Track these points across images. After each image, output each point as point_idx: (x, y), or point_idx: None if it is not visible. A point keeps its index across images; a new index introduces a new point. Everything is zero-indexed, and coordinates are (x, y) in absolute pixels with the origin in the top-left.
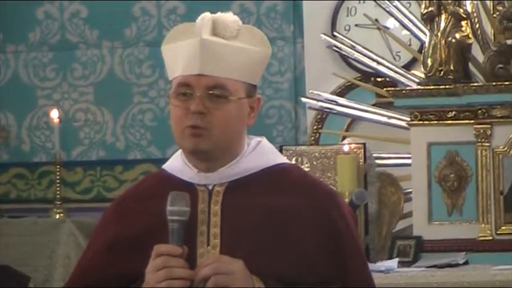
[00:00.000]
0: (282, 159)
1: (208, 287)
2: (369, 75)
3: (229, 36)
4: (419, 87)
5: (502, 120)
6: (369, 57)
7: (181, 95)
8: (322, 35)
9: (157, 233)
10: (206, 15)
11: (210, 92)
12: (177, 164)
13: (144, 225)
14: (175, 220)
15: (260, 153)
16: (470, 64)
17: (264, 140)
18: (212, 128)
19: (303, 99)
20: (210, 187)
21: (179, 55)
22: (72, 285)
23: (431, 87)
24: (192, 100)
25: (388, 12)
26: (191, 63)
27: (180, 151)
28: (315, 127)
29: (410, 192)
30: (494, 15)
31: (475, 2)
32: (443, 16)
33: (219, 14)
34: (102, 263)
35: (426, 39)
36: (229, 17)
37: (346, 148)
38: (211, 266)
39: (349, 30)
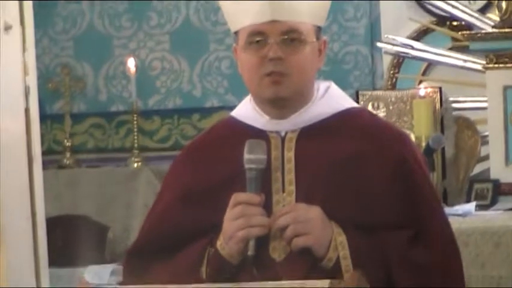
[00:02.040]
0: (352, 103)
1: (287, 234)
2: (444, 20)
3: None
4: (494, 30)
5: None
6: (444, 1)
7: (255, 43)
8: None
9: (232, 181)
10: None
11: (285, 36)
12: (247, 111)
13: (218, 173)
14: (253, 168)
15: (330, 98)
16: None
17: (333, 85)
18: (291, 73)
19: (379, 44)
20: (283, 134)
21: (245, 5)
22: (146, 236)
23: (506, 30)
24: (267, 47)
25: None
26: (261, 10)
27: (248, 98)
28: (391, 72)
29: (487, 136)
30: None
31: None
32: None
33: None
34: (176, 212)
35: None
36: None
37: (422, 92)
38: (289, 215)
39: None
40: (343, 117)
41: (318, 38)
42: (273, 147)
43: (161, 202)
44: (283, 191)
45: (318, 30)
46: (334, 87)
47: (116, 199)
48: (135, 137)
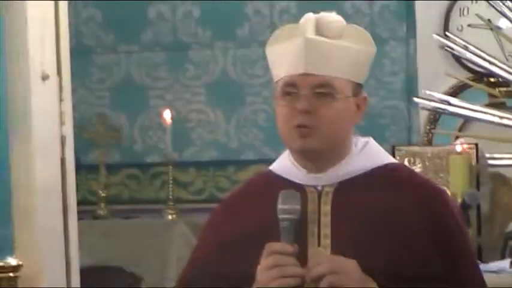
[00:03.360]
0: (390, 159)
1: (322, 286)
2: (481, 76)
3: (333, 36)
4: None
5: None
6: (482, 58)
7: (287, 95)
8: (435, 35)
9: (268, 233)
10: (309, 15)
11: (316, 90)
12: (285, 165)
13: (255, 225)
14: (286, 218)
15: (368, 154)
16: None
17: (371, 140)
18: (319, 126)
19: (416, 100)
20: (319, 188)
21: (284, 56)
22: (182, 285)
23: None
24: (298, 99)
25: (500, 12)
26: (296, 62)
27: (287, 152)
28: (428, 127)
29: None
30: None
31: None
32: None
33: (322, 13)
34: (213, 263)
35: None
36: (332, 17)
37: (458, 148)
38: (326, 265)
39: (461, 30)
40: (380, 173)
41: (356, 94)
42: (310, 201)
43: (199, 250)
44: (319, 245)
45: (357, 86)
46: (372, 143)
47: (150, 251)
48: (170, 189)
